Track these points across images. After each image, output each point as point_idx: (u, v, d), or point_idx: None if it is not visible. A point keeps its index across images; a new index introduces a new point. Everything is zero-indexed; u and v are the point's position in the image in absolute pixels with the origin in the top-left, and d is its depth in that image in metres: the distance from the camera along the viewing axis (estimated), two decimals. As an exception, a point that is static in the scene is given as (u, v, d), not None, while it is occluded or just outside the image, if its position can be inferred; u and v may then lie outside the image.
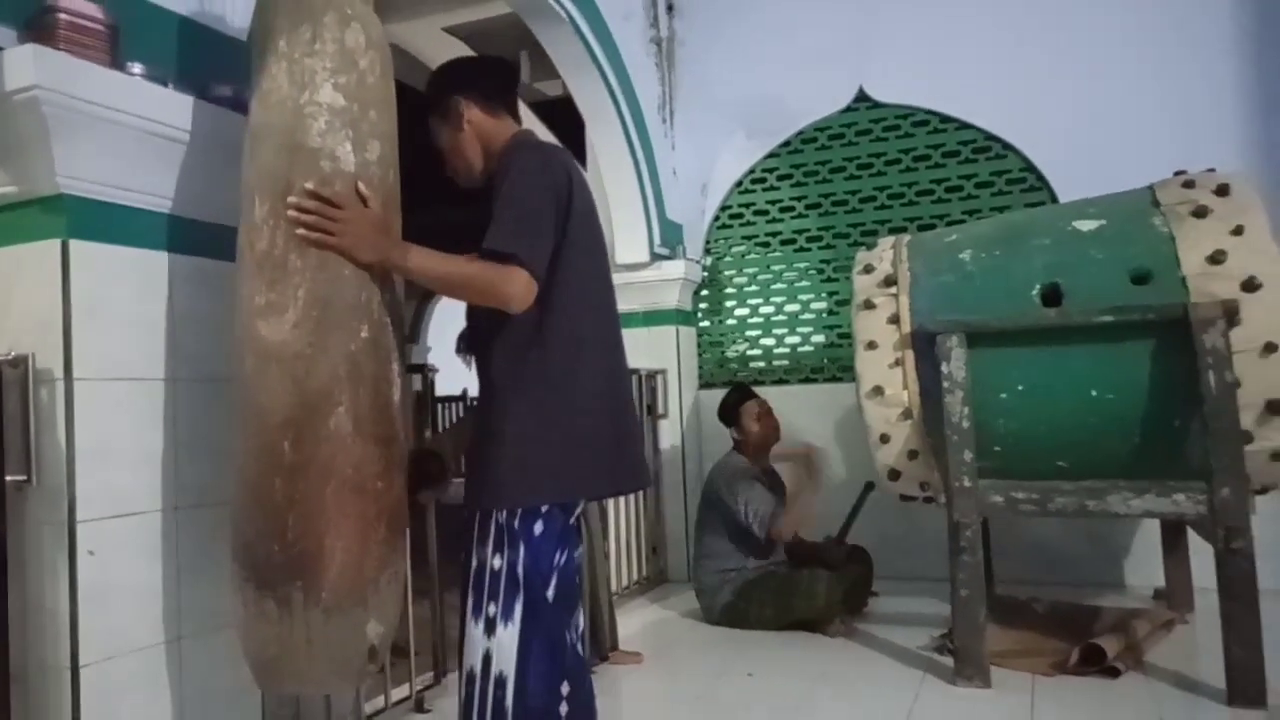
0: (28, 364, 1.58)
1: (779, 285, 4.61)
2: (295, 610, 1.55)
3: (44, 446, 1.61)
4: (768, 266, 4.63)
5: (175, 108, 1.78)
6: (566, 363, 1.66)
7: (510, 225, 1.60)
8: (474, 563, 1.68)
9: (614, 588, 3.72)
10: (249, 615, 1.60)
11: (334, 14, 1.61)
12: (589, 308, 1.71)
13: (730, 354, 4.68)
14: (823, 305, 4.52)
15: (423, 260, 1.61)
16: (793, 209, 4.57)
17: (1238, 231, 2.56)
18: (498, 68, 1.93)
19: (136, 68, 1.73)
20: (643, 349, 4.38)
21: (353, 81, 1.61)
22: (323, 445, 1.55)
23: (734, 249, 4.71)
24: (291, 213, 1.55)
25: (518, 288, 1.58)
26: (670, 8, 4.79)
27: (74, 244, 1.65)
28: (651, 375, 4.33)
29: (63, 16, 1.57)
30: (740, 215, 4.69)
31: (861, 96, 4.40)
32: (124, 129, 1.69)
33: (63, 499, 1.61)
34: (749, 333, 4.66)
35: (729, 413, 3.79)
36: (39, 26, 1.58)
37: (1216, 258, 2.55)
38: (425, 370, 2.71)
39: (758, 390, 3.91)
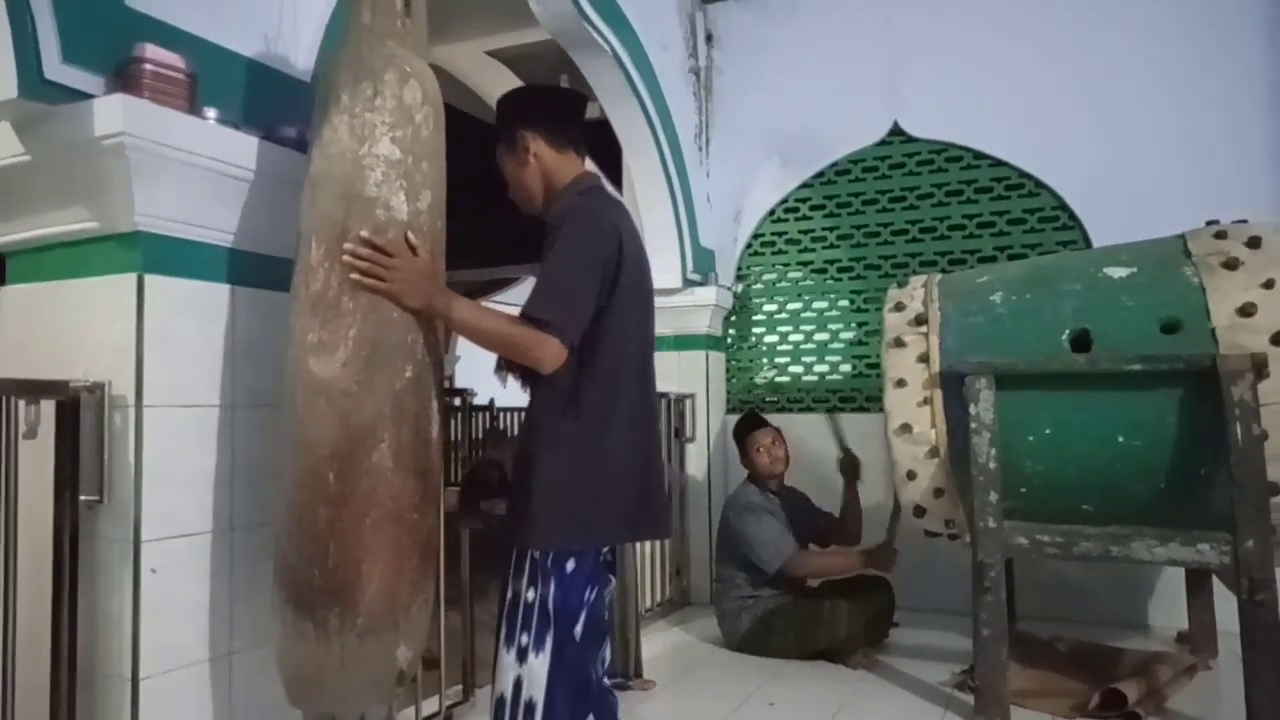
0: (104, 391, 1.68)
1: (809, 314, 4.66)
2: (332, 633, 1.64)
3: (115, 469, 1.70)
4: (798, 295, 4.69)
5: (246, 150, 1.88)
6: (600, 420, 1.73)
7: (551, 294, 1.69)
8: (509, 593, 1.77)
9: (638, 610, 3.79)
10: (287, 635, 1.69)
11: (394, 72, 1.72)
12: (626, 369, 1.77)
13: (758, 380, 4.74)
14: (852, 335, 4.56)
15: (464, 312, 1.72)
16: (825, 239, 4.63)
17: (1269, 285, 2.59)
18: (566, 102, 1.99)
19: (211, 112, 1.83)
20: (673, 373, 4.46)
21: (408, 135, 1.71)
22: (365, 478, 1.65)
23: (765, 276, 4.77)
24: (347, 258, 1.65)
25: (547, 353, 1.66)
26: (709, 38, 4.88)
27: (148, 278, 1.76)
28: (680, 399, 4.39)
29: (148, 67, 1.68)
30: (772, 243, 4.75)
31: (896, 130, 4.45)
32: (198, 170, 1.79)
33: (129, 519, 1.71)
34: (778, 360, 4.71)
35: (738, 442, 3.86)
36: (126, 75, 1.68)
37: (1247, 310, 2.58)
38: (465, 395, 2.79)
39: (784, 417, 3.97)
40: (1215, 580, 3.26)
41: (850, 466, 3.85)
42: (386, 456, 1.66)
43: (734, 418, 4.59)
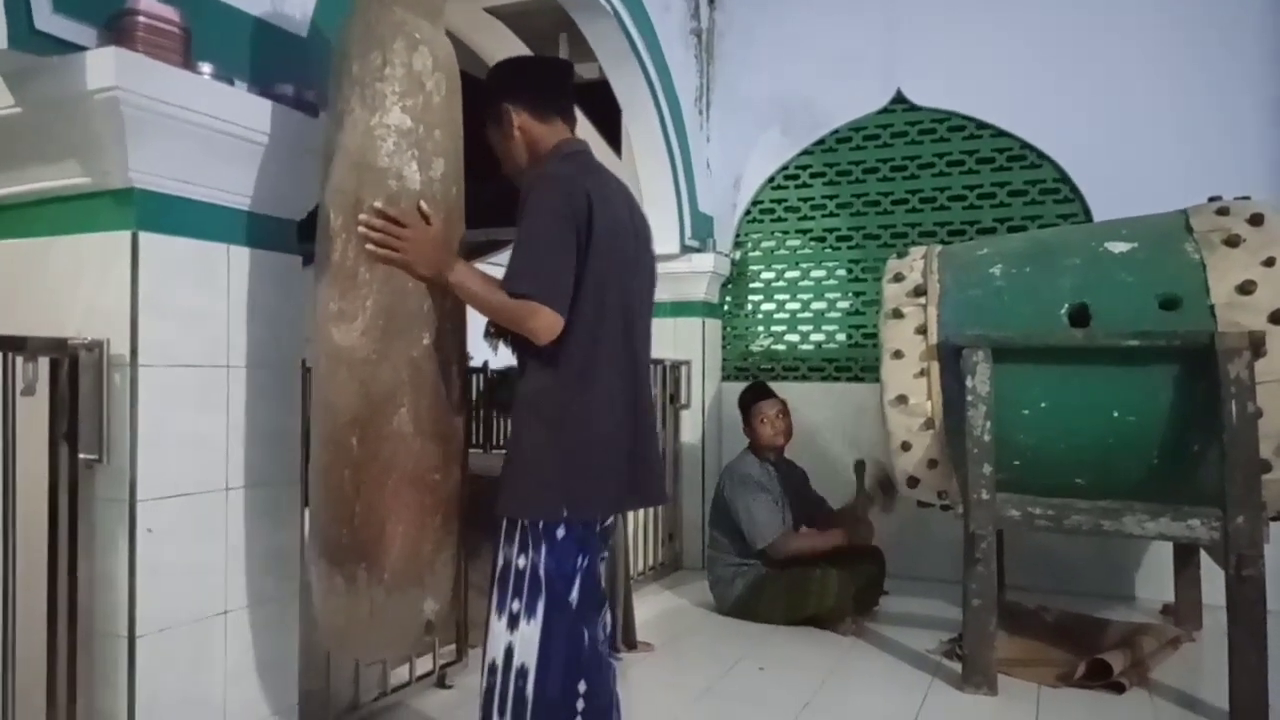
0: (103, 349, 1.66)
1: (806, 282, 4.64)
2: (360, 587, 1.72)
3: (114, 428, 1.69)
4: (796, 263, 4.67)
5: (241, 106, 1.84)
6: (579, 387, 1.72)
7: (528, 265, 1.67)
8: (500, 561, 1.77)
9: (630, 574, 3.82)
10: (321, 589, 1.76)
11: (402, 40, 1.70)
12: (607, 334, 1.75)
13: (754, 348, 4.73)
14: (848, 304, 4.55)
15: (464, 280, 1.72)
16: (824, 207, 4.60)
17: (1269, 263, 2.59)
18: (551, 72, 1.98)
19: (205, 67, 1.79)
20: (668, 340, 4.46)
21: (419, 104, 1.71)
22: (385, 443, 1.69)
23: (763, 244, 4.74)
24: (361, 229, 1.66)
25: (541, 323, 1.65)
26: (711, 0, 4.79)
27: (143, 235, 1.73)
28: (676, 366, 4.39)
29: (142, 19, 1.64)
30: (771, 211, 4.72)
31: (899, 98, 4.40)
32: (194, 127, 1.76)
33: (125, 478, 1.70)
34: (774, 328, 4.71)
35: (742, 410, 3.86)
36: (119, 28, 1.64)
37: (1246, 288, 2.58)
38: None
39: (779, 385, 3.98)
40: (1202, 554, 3.30)
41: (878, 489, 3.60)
42: (406, 422, 1.70)
43: (729, 385, 4.62)
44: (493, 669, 1.73)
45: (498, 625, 1.73)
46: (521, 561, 1.73)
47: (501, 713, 1.70)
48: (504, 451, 1.81)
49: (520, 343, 1.77)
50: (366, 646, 1.86)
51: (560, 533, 1.73)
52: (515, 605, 1.72)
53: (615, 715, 1.83)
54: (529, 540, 1.73)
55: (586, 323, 1.72)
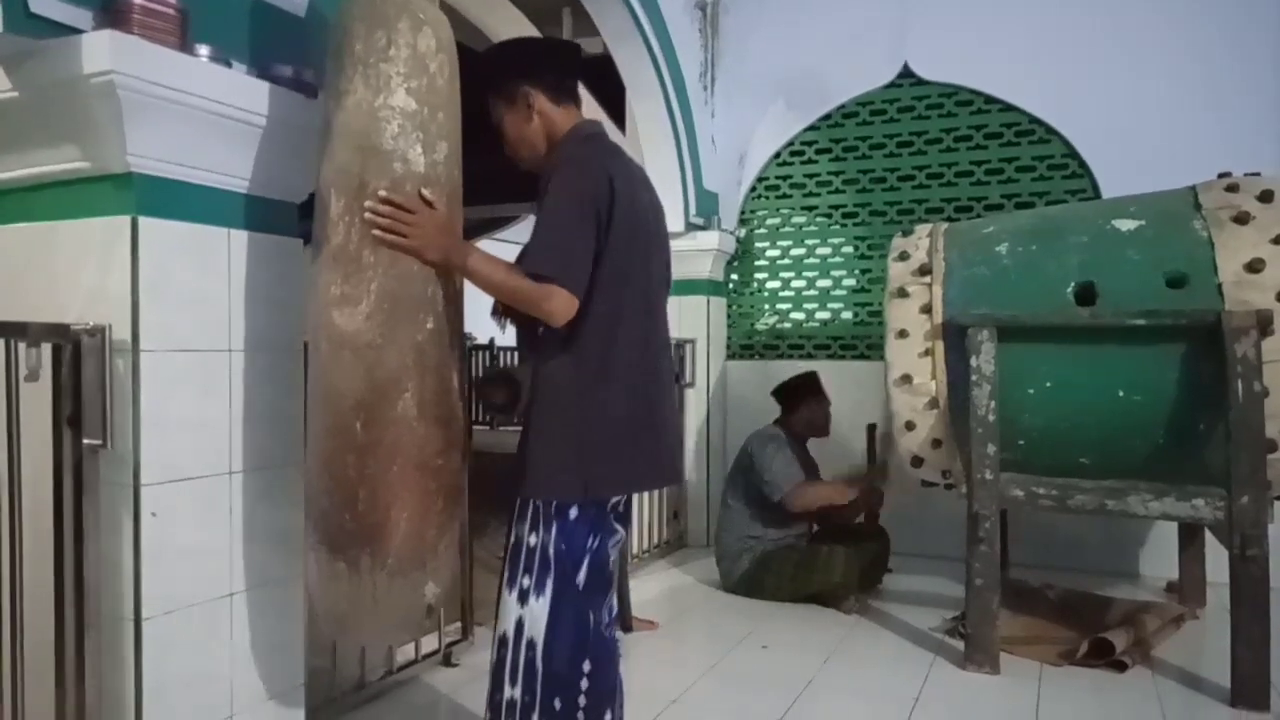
0: (104, 334, 1.66)
1: (812, 260, 4.62)
2: (363, 572, 1.71)
3: (117, 413, 1.70)
4: (801, 240, 4.64)
5: (240, 89, 1.82)
6: (597, 368, 1.73)
7: (548, 245, 1.68)
8: (513, 537, 1.80)
9: (634, 551, 3.84)
10: (322, 576, 1.75)
11: (407, 20, 1.68)
12: (626, 315, 1.76)
13: (760, 326, 4.72)
14: (854, 282, 4.53)
15: (477, 264, 1.71)
16: (830, 184, 4.56)
17: (1278, 241, 2.56)
18: (564, 55, 1.96)
19: (203, 49, 1.77)
20: (673, 318, 4.37)
21: (423, 85, 1.68)
22: (390, 428, 1.68)
23: (769, 221, 4.72)
24: (368, 215, 1.65)
25: (557, 305, 1.66)
26: (717, -27, 4.73)
27: (143, 220, 1.72)
28: (680, 344, 4.38)
29: (137, 1, 1.62)
30: (776, 187, 4.69)
31: (906, 73, 4.35)
32: (192, 110, 1.74)
33: (129, 463, 1.71)
34: (779, 306, 4.69)
35: (794, 395, 3.79)
36: (114, 11, 1.62)
37: (1254, 266, 2.55)
38: (466, 337, 2.77)
39: (784, 364, 3.98)
40: (1207, 531, 3.29)
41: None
42: (411, 406, 1.69)
43: (734, 364, 4.63)
44: (503, 641, 1.76)
45: (509, 599, 1.77)
46: (533, 540, 1.75)
47: (514, 681, 1.74)
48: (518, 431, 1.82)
49: (533, 324, 1.77)
50: (369, 632, 1.85)
51: (573, 513, 1.74)
52: (526, 581, 1.75)
53: (617, 699, 1.85)
54: (540, 519, 1.75)
55: (607, 304, 1.73)
